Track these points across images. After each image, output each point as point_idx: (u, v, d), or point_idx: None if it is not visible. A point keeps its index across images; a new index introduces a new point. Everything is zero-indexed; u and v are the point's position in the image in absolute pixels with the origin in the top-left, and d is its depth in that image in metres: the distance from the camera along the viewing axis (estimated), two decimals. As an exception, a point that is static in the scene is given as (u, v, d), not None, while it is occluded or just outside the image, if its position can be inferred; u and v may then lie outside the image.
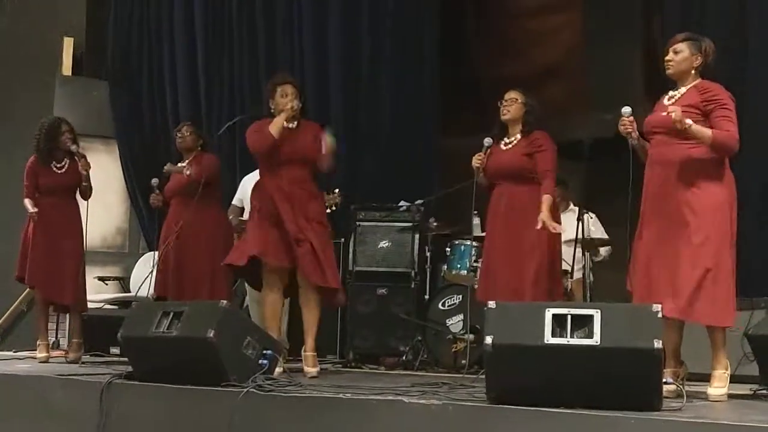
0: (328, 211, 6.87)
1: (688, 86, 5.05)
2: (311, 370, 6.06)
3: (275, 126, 6.10)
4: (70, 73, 9.87)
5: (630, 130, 5.02)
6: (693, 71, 5.06)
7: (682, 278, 4.82)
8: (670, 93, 5.12)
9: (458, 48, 9.66)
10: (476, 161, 6.09)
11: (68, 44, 9.85)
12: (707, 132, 4.84)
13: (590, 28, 8.98)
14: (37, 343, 7.32)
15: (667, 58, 5.11)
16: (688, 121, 4.81)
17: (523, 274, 5.88)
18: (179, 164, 7.25)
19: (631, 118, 5.03)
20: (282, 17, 9.02)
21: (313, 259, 5.99)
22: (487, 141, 6.13)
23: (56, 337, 8.39)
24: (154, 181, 7.28)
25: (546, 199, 5.86)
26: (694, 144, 4.90)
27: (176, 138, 7.39)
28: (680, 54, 5.07)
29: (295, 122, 6.22)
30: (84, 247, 7.41)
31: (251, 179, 7.60)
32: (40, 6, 10.29)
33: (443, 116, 8.76)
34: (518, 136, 6.09)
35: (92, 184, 7.37)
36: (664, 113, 4.93)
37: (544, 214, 5.77)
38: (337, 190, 7.11)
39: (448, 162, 8.67)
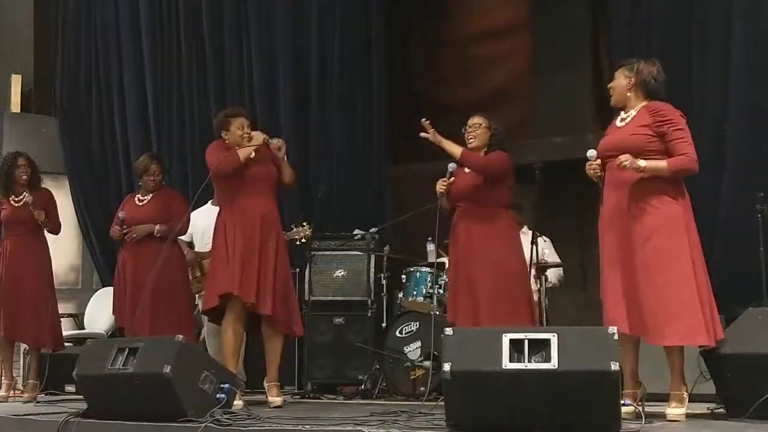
0: (298, 243, 6.88)
1: (638, 108, 5.10)
2: (275, 399, 6.07)
3: (243, 152, 6.10)
4: (18, 110, 9.81)
5: (600, 173, 5.04)
6: (630, 93, 5.12)
7: (641, 298, 4.84)
8: (622, 115, 5.16)
9: (407, 75, 9.72)
10: (440, 186, 6.01)
11: (16, 81, 9.79)
12: (662, 164, 4.90)
13: (539, 53, 9.06)
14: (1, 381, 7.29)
15: (609, 86, 5.22)
16: (641, 162, 4.87)
17: (481, 296, 5.85)
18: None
19: (599, 161, 5.05)
20: (231, 50, 9.03)
21: (279, 305, 6.05)
22: (451, 166, 6.05)
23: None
24: (122, 213, 7.17)
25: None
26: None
27: (146, 180, 7.09)
28: (616, 80, 5.18)
29: (252, 152, 6.24)
30: (50, 283, 7.35)
31: (199, 214, 7.61)
32: (-14, 43, 10.24)
33: (393, 143, 8.79)
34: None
35: (58, 221, 7.37)
36: (618, 158, 4.93)
37: None
38: (305, 224, 7.07)
39: (399, 188, 8.71)
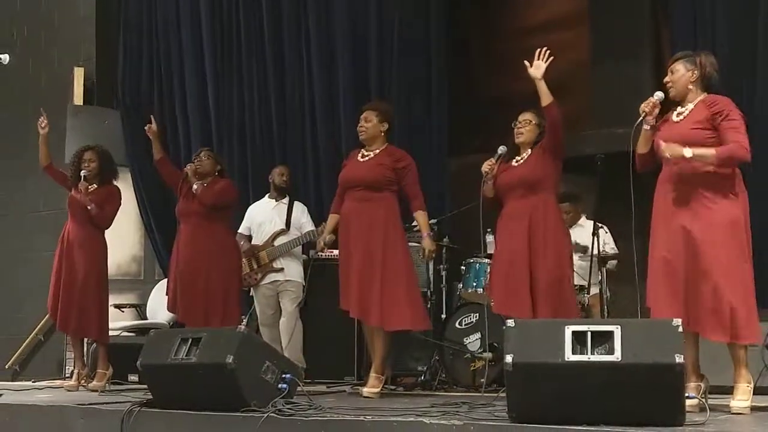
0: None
1: (695, 101, 5.05)
2: (366, 390, 6.21)
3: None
4: (81, 103, 9.90)
5: (647, 111, 5.02)
6: (692, 86, 5.07)
7: (701, 295, 4.81)
8: (678, 109, 5.12)
9: (466, 67, 9.69)
10: (486, 166, 6.01)
11: (79, 74, 9.88)
12: (710, 152, 4.84)
13: (598, 43, 8.98)
14: (73, 370, 7.46)
15: (665, 80, 5.16)
16: (687, 152, 4.82)
17: (537, 285, 5.82)
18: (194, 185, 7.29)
19: (658, 102, 5.05)
20: (290, 45, 9.07)
21: (373, 300, 6.21)
22: (502, 149, 6.06)
23: (73, 366, 8.41)
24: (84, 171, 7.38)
25: None
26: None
27: (194, 163, 7.39)
28: (676, 73, 5.12)
29: (376, 150, 6.45)
30: (102, 274, 7.42)
31: (257, 207, 7.73)
32: (50, 37, 10.35)
33: (450, 135, 8.78)
34: (529, 151, 6.06)
35: (106, 215, 7.40)
36: (664, 144, 4.92)
37: None
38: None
39: (458, 180, 8.68)
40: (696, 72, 5.07)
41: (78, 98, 9.90)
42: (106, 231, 7.43)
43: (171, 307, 7.35)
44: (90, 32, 10.11)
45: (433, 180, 8.52)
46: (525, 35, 9.61)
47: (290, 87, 9.02)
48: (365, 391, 6.21)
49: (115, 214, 7.52)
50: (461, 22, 9.63)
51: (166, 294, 7.45)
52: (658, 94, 5.09)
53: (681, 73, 5.09)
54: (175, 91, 9.73)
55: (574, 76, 9.20)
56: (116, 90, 10.02)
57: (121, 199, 7.57)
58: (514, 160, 6.09)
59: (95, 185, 7.41)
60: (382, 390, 6.36)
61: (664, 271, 4.94)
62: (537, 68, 5.84)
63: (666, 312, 4.79)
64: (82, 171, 7.33)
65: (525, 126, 6.05)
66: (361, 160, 6.46)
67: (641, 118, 5.07)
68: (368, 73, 8.77)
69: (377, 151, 6.44)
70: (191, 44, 9.63)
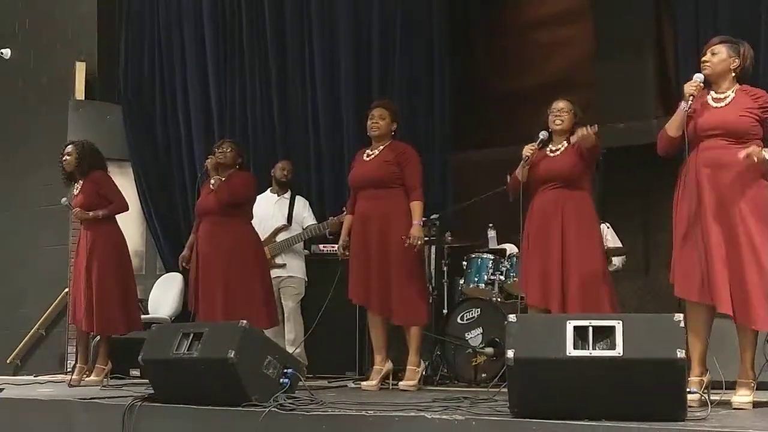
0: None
1: (733, 89, 5.00)
2: (403, 383, 6.32)
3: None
4: (82, 98, 9.90)
5: (694, 94, 4.95)
6: (732, 73, 5.02)
7: (744, 283, 4.76)
8: (714, 95, 5.03)
9: (469, 62, 9.69)
10: (527, 150, 5.92)
11: (80, 69, 9.88)
12: None
13: (601, 39, 8.97)
14: (75, 364, 7.42)
15: (704, 58, 5.06)
16: (766, 153, 4.78)
17: (574, 277, 5.77)
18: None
19: (701, 84, 4.99)
20: (292, 38, 9.07)
21: (392, 297, 6.33)
22: (543, 134, 5.99)
23: (75, 361, 8.41)
24: (64, 200, 7.40)
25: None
26: (747, 146, 4.85)
27: (216, 155, 7.20)
28: (717, 55, 5.03)
29: (381, 147, 6.47)
30: (114, 270, 7.35)
31: (257, 202, 7.70)
32: (51, 31, 10.35)
33: (453, 130, 8.78)
34: (565, 143, 6.01)
35: (117, 200, 7.39)
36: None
37: None
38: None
39: (460, 175, 8.69)
40: (737, 61, 5.01)
41: (79, 93, 9.90)
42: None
43: (192, 306, 7.18)
44: (92, 27, 10.11)
45: (435, 175, 8.53)
46: (527, 31, 9.63)
47: (292, 82, 9.02)
48: (401, 384, 6.31)
49: (121, 193, 7.46)
50: (464, 18, 9.63)
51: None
52: (699, 76, 4.99)
53: (723, 56, 5.01)
54: (177, 85, 9.73)
55: (576, 72, 9.20)
56: (118, 85, 10.01)
57: (111, 179, 7.51)
58: (549, 150, 6.05)
59: (81, 181, 7.37)
60: (381, 385, 6.40)
61: (692, 254, 4.88)
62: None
63: (696, 295, 4.82)
64: (64, 201, 7.31)
65: (562, 115, 6.00)
66: (367, 159, 6.49)
67: (690, 101, 4.97)
68: (371, 69, 8.77)
69: (381, 148, 6.46)
70: (193, 39, 9.63)
